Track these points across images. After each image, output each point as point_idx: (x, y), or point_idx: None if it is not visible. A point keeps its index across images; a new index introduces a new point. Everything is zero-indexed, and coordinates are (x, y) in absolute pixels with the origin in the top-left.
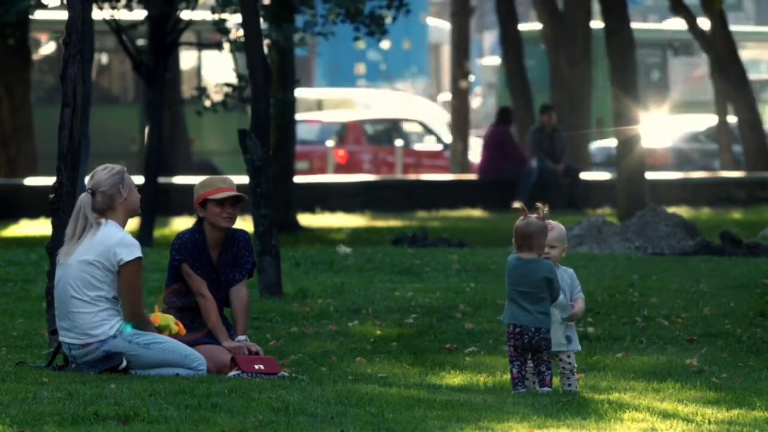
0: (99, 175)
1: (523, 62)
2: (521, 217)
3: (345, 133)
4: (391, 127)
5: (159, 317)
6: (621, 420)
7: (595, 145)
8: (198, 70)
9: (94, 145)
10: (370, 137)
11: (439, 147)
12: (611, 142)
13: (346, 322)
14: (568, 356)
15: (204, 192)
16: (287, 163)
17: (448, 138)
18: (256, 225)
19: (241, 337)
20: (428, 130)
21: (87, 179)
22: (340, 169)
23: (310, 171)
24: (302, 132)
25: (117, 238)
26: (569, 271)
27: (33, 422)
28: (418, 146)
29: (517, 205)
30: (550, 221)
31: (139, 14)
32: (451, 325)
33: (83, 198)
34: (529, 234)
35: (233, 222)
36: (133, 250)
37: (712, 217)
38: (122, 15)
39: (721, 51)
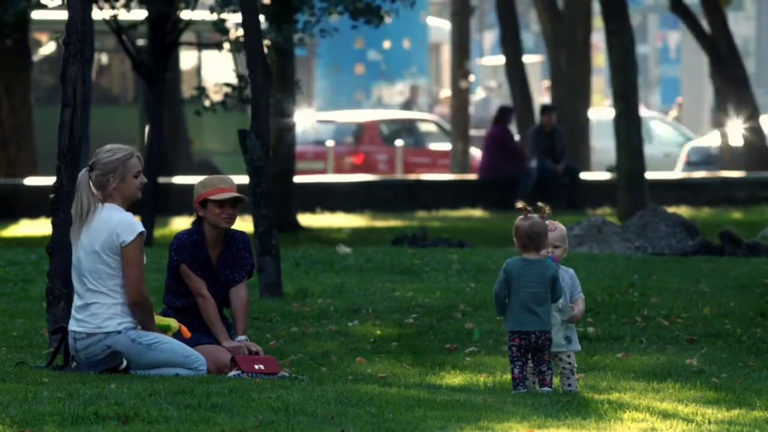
0: (101, 155)
1: (522, 62)
2: (521, 217)
3: (361, 133)
4: (406, 127)
5: (160, 319)
6: (621, 420)
7: (692, 144)
8: (198, 70)
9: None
10: (385, 137)
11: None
12: (708, 141)
13: (346, 322)
14: (568, 356)
15: (204, 192)
16: (287, 163)
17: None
18: (256, 225)
19: (241, 337)
20: (443, 130)
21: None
22: (356, 169)
23: (325, 171)
24: (318, 132)
25: (116, 220)
26: (570, 271)
27: (33, 422)
28: (432, 146)
29: (520, 205)
30: (552, 221)
31: (139, 14)
32: (451, 325)
33: (82, 174)
34: (537, 234)
35: (233, 222)
36: (133, 229)
37: (712, 217)
38: (122, 15)
39: (722, 51)
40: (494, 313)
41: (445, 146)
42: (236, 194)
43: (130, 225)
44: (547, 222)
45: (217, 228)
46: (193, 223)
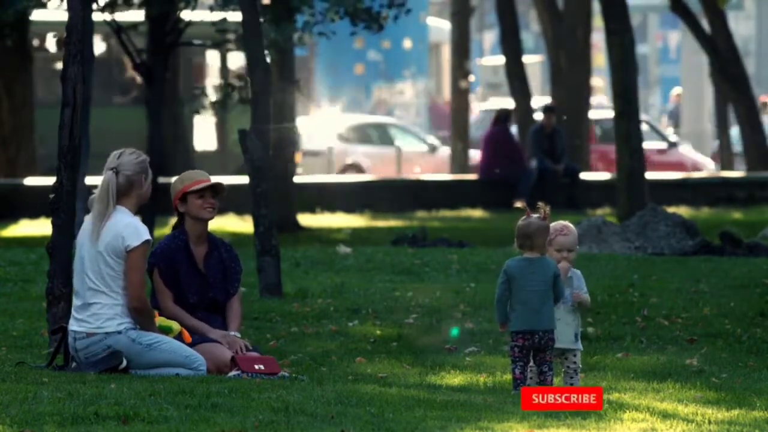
0: (126, 157)
1: (522, 62)
2: (523, 217)
3: None
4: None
5: (162, 321)
6: (621, 420)
7: None
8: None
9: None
10: (599, 136)
11: (663, 145)
12: None
13: (346, 322)
14: (575, 356)
15: (183, 187)
16: (287, 163)
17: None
18: (256, 225)
19: (233, 333)
20: (654, 129)
21: (111, 157)
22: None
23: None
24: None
25: (123, 223)
26: (577, 272)
27: (33, 422)
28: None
29: (519, 204)
30: (566, 225)
31: (140, 14)
32: (451, 325)
33: (110, 176)
34: (530, 234)
35: (215, 213)
36: (139, 235)
37: (712, 217)
38: (123, 15)
39: (722, 51)
40: (495, 316)
41: (659, 145)
42: (214, 181)
43: (137, 230)
44: (560, 225)
45: (200, 221)
46: (174, 227)
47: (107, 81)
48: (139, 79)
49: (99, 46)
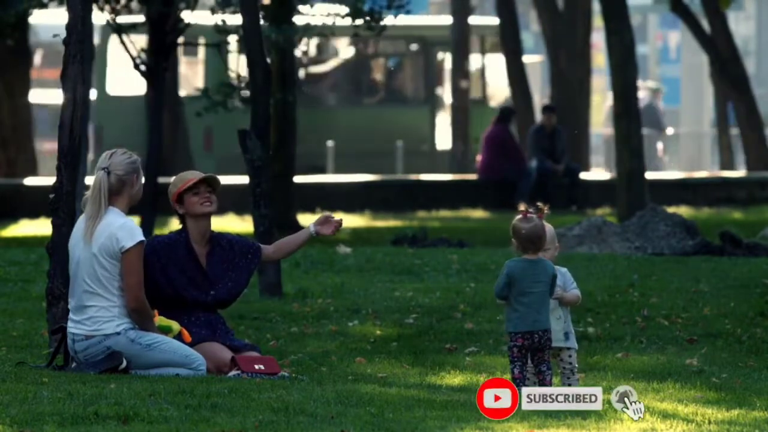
0: (118, 157)
1: (522, 62)
2: (518, 218)
3: None
4: None
5: (162, 320)
6: (621, 420)
7: None
8: (483, 72)
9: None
10: None
11: None
12: None
13: (346, 322)
14: (570, 355)
15: (176, 189)
16: (288, 163)
17: None
18: (256, 225)
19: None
20: None
21: (102, 158)
22: None
23: None
24: None
25: (118, 224)
26: (562, 270)
27: (33, 422)
28: None
29: (522, 207)
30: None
31: (140, 15)
32: (451, 325)
33: (102, 176)
34: (539, 236)
35: (214, 206)
36: (133, 236)
37: (712, 217)
38: (124, 15)
39: (722, 51)
40: (495, 309)
41: None
42: (204, 175)
43: (131, 231)
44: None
45: (201, 218)
46: (175, 231)
47: (356, 82)
48: (383, 80)
49: (347, 51)
